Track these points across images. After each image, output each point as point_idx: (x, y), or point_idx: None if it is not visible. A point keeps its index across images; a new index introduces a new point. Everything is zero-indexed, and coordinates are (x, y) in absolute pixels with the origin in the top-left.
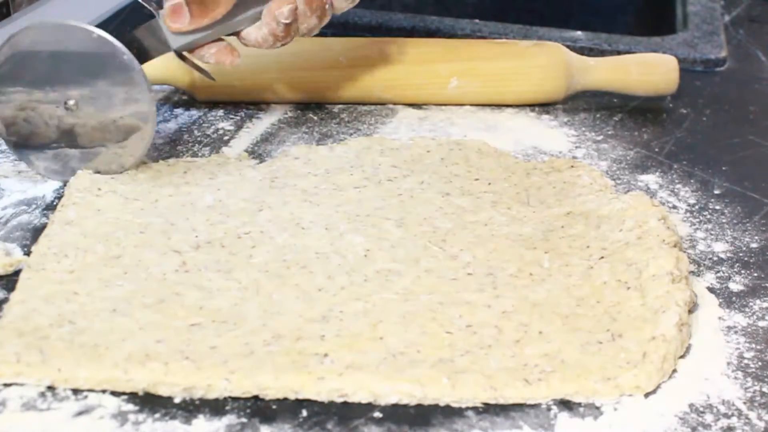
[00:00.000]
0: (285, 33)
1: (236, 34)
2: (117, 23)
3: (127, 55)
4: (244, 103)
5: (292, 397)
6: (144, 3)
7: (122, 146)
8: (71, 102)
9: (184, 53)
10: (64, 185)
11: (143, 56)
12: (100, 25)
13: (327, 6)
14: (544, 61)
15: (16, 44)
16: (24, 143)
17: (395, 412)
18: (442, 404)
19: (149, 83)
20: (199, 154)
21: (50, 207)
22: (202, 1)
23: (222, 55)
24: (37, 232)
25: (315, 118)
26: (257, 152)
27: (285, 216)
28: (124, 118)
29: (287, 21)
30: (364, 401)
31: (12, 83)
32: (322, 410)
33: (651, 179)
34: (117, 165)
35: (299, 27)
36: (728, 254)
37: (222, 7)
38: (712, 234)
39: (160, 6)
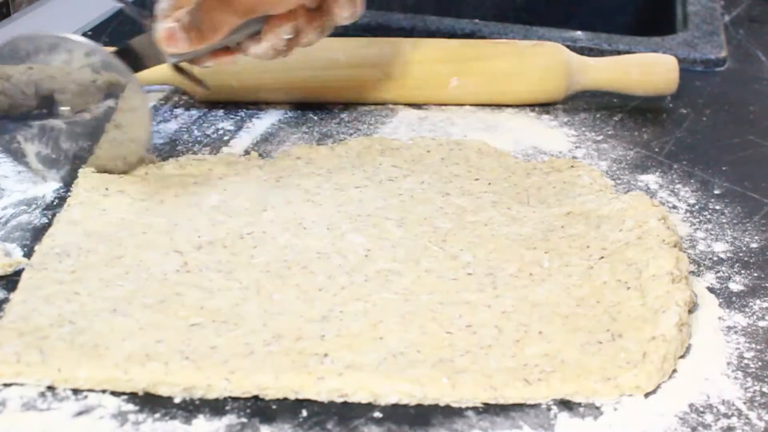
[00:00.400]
0: (286, 47)
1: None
2: (116, 23)
3: (120, 65)
4: (244, 103)
5: (292, 397)
6: (133, 16)
7: (121, 148)
8: (64, 109)
9: (181, 64)
10: (68, 187)
11: (138, 65)
12: (100, 25)
13: (326, 22)
14: (544, 61)
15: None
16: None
17: (395, 412)
18: (442, 404)
19: (143, 89)
20: (200, 154)
21: (50, 207)
22: (199, 28)
23: (221, 58)
24: (37, 232)
25: (315, 118)
26: (257, 152)
27: (288, 216)
28: (120, 124)
29: (289, 36)
30: (364, 401)
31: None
32: (322, 410)
33: (651, 179)
34: (121, 163)
35: (300, 41)
36: (728, 254)
37: (220, 34)
38: (712, 234)
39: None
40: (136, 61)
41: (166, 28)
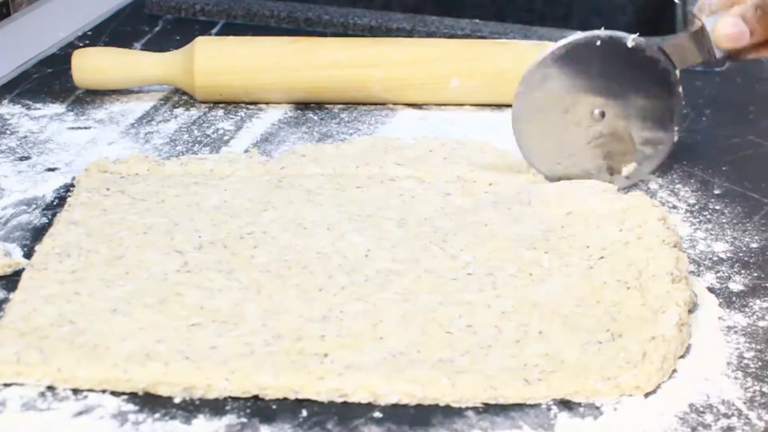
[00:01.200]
0: None
1: None
2: (116, 24)
3: (663, 62)
4: (244, 103)
5: (292, 397)
6: (681, 12)
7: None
8: (597, 111)
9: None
10: (67, 187)
11: (680, 63)
12: (100, 25)
13: None
14: None
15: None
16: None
17: (395, 412)
18: (442, 404)
19: (681, 90)
20: (199, 154)
21: (50, 207)
22: None
23: (762, 52)
24: (37, 232)
25: (315, 118)
26: (257, 151)
27: (289, 216)
28: (649, 127)
29: None
30: (364, 401)
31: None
32: (322, 410)
33: (651, 179)
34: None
35: None
36: (728, 254)
37: None
38: (712, 234)
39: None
40: (678, 59)
41: (736, 30)
